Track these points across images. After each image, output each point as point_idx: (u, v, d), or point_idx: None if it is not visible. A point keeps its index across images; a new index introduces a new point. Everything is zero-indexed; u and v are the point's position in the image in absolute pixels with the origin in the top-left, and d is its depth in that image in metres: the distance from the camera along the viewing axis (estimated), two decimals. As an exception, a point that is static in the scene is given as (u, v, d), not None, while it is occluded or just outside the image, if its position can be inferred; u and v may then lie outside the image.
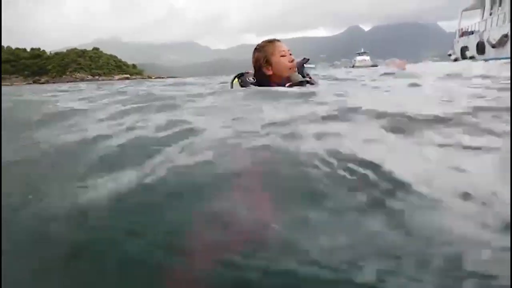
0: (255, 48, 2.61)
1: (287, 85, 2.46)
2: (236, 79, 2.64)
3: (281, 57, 2.49)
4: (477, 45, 18.43)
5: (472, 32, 21.14)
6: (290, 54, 2.54)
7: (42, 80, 76.39)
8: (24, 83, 73.49)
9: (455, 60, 21.72)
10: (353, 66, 78.34)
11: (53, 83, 62.50)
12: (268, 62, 2.49)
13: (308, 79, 2.61)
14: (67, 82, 63.76)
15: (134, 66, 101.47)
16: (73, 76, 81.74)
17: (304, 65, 2.69)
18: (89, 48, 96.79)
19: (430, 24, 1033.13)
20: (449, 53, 24.47)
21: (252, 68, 2.61)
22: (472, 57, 18.93)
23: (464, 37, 21.76)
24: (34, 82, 73.51)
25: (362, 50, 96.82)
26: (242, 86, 2.56)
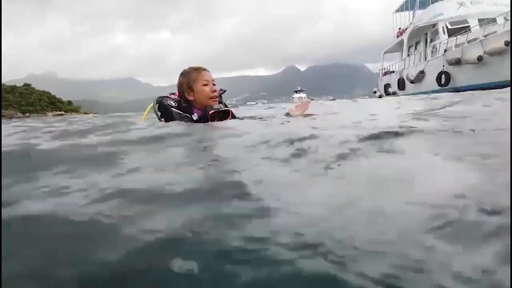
0: (181, 73, 2.64)
1: (210, 112, 2.50)
2: (151, 105, 2.61)
3: (203, 86, 2.53)
4: (398, 81, 20.42)
5: (393, 71, 23.60)
6: (214, 85, 2.58)
7: (-37, 117, 69.94)
8: None
9: (380, 96, 23.94)
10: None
11: (-24, 120, 57.18)
12: (190, 88, 2.53)
13: (229, 109, 2.69)
14: (-7, 119, 58.71)
15: (69, 102, 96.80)
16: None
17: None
18: (20, 84, 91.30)
19: (359, 66, 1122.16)
20: (374, 90, 26.79)
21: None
22: (394, 93, 20.99)
23: (386, 75, 24.15)
24: (-47, 120, 67.00)
25: (299, 88, 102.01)
26: (162, 112, 2.51)
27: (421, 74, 17.64)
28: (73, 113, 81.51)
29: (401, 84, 20.03)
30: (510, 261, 0.42)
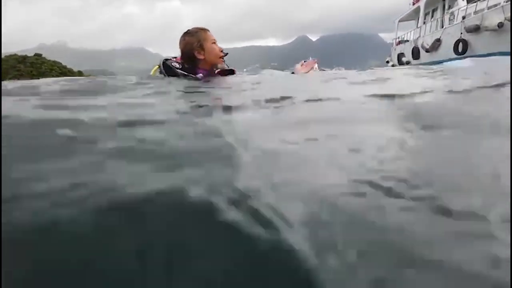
0: (185, 33, 2.60)
1: (216, 71, 2.57)
2: (157, 66, 2.62)
3: (213, 44, 2.56)
4: (412, 50, 19.85)
5: (407, 41, 22.91)
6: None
7: (-23, 87, 70.81)
8: (-44, 90, 67.62)
9: (392, 66, 23.36)
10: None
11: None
12: (201, 47, 2.52)
13: (233, 68, 2.73)
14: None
15: (80, 72, 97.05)
16: (12, 82, 76.52)
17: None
18: (31, 54, 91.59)
19: (372, 35, 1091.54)
20: (386, 60, 26.16)
21: (180, 52, 2.62)
22: (408, 62, 20.46)
23: (400, 45, 23.49)
24: (-33, 89, 67.99)
25: (310, 59, 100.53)
26: (166, 72, 2.53)
27: (437, 43, 17.07)
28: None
29: (415, 53, 19.49)
30: (510, 261, 0.42)
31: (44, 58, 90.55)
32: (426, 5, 20.56)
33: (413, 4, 23.05)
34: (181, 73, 2.50)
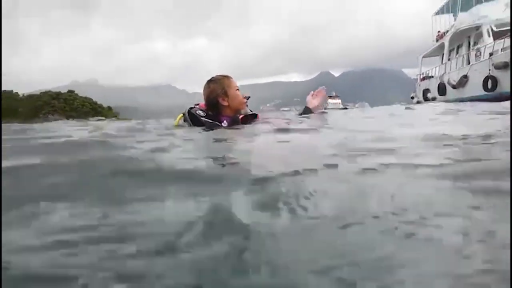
0: (210, 80, 2.67)
1: (240, 117, 2.63)
2: (181, 115, 2.67)
3: (237, 91, 2.64)
4: (438, 86, 19.61)
5: (432, 76, 22.72)
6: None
7: (13, 122, 74.60)
8: (-7, 125, 71.41)
9: (418, 102, 23.10)
10: (325, 109, 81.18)
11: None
12: (225, 94, 2.59)
13: (256, 112, 2.80)
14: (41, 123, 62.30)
15: (109, 108, 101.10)
16: (45, 118, 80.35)
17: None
18: (64, 90, 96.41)
19: (395, 71, 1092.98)
20: (411, 95, 25.94)
21: (204, 100, 2.67)
22: (434, 98, 20.18)
23: (425, 80, 23.31)
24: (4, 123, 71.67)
25: (334, 94, 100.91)
26: (191, 120, 2.57)
27: (464, 79, 16.78)
28: (113, 118, 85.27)
29: (441, 89, 19.23)
30: (510, 260, 0.43)
31: (76, 94, 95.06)
32: (451, 42, 20.49)
33: (437, 40, 23.07)
34: (205, 120, 2.55)
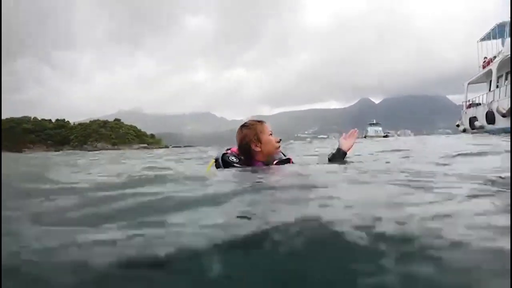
0: (242, 126, 2.68)
1: (274, 162, 2.58)
2: (213, 161, 2.66)
3: (270, 136, 2.61)
4: (486, 115, 18.71)
5: (479, 104, 21.72)
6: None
7: (64, 149, 79.26)
8: (46, 151, 76.32)
9: (464, 130, 22.02)
10: (365, 137, 79.48)
11: (75, 151, 64.65)
12: (258, 139, 2.57)
13: (290, 157, 2.74)
14: (88, 151, 65.92)
15: (152, 136, 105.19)
16: (94, 145, 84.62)
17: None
18: (111, 119, 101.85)
19: (439, 97, 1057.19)
20: (457, 123, 24.85)
21: (237, 145, 2.65)
22: (481, 127, 19.20)
23: (471, 108, 22.29)
24: (56, 151, 76.34)
25: (374, 121, 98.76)
26: (224, 166, 2.55)
27: (516, 107, 15.82)
28: (155, 145, 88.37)
29: (490, 118, 18.30)
30: (510, 259, 0.43)
31: (122, 122, 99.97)
32: (499, 68, 19.58)
33: (483, 67, 22.17)
34: (239, 167, 2.52)
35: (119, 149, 77.84)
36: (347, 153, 2.81)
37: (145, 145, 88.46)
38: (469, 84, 24.51)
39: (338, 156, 2.79)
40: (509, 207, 0.97)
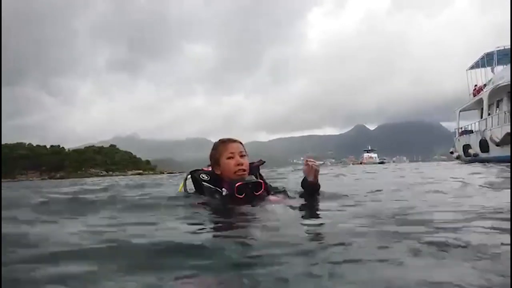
0: (213, 145, 2.57)
1: (236, 185, 2.28)
2: (184, 181, 2.56)
3: (228, 159, 2.40)
4: (480, 143, 18.77)
5: (471, 131, 21.90)
6: (242, 156, 2.43)
7: (58, 175, 78.42)
8: (40, 178, 75.48)
9: (458, 157, 22.09)
10: (360, 163, 79.74)
11: (68, 178, 64.09)
12: (216, 162, 2.45)
13: (260, 181, 2.42)
14: (82, 177, 65.34)
15: (148, 162, 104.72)
16: (88, 172, 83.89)
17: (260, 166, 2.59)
18: (107, 145, 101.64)
19: (434, 124, 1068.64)
20: (451, 150, 24.97)
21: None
22: (475, 155, 19.26)
23: (464, 135, 22.44)
24: (50, 177, 75.52)
25: (369, 148, 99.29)
26: (194, 185, 2.48)
27: (509, 137, 15.85)
28: (150, 171, 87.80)
29: (483, 146, 18.37)
30: (510, 260, 0.43)
31: (118, 149, 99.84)
32: (490, 96, 19.82)
33: (474, 95, 22.49)
34: (207, 186, 2.40)
35: (113, 175, 77.16)
36: (317, 181, 2.45)
37: (140, 171, 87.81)
38: (460, 111, 24.79)
39: (307, 187, 2.48)
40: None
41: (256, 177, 2.46)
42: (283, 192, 2.60)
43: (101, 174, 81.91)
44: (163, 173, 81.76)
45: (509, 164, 8.07)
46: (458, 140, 23.26)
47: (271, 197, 2.44)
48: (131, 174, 75.16)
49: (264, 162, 2.62)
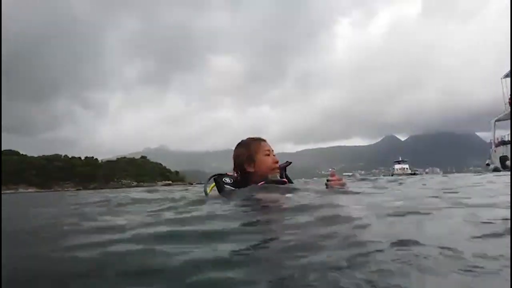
0: (239, 144, 2.53)
1: (259, 183, 2.31)
2: (213, 184, 2.49)
3: (265, 156, 2.42)
4: (518, 154, 18.04)
5: (509, 142, 21.06)
6: (274, 155, 2.48)
7: (91, 186, 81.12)
8: (75, 188, 78.30)
9: (494, 169, 21.30)
10: (392, 175, 77.75)
11: (101, 188, 66.16)
12: (251, 159, 2.40)
13: (284, 180, 2.48)
14: (114, 188, 67.31)
15: (177, 173, 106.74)
16: (119, 182, 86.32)
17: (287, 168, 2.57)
18: (138, 156, 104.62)
19: (468, 134, 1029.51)
20: (487, 162, 24.05)
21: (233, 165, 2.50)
22: (514, 166, 18.53)
23: (501, 146, 21.61)
24: (84, 188, 78.25)
25: (400, 159, 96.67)
26: (218, 189, 2.43)
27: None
28: (179, 182, 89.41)
29: (522, 157, 17.63)
30: (510, 261, 0.42)
31: (148, 160, 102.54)
32: (528, 105, 19.08)
33: (510, 104, 21.69)
34: (229, 189, 2.35)
35: (143, 186, 79.01)
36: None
37: (169, 182, 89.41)
38: (496, 121, 23.92)
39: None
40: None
41: (282, 177, 2.49)
42: None
43: (132, 184, 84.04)
44: (191, 183, 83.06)
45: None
46: (494, 151, 22.42)
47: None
48: (161, 185, 76.76)
49: (291, 163, 2.61)
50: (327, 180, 2.36)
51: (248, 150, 2.43)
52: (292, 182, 2.58)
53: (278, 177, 2.44)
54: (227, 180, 2.41)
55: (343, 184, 2.36)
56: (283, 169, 2.55)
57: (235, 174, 2.48)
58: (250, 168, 2.39)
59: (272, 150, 2.48)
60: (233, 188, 2.36)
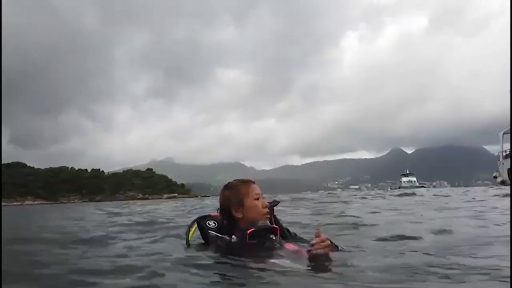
0: (226, 186, 2.31)
1: (248, 231, 2.03)
2: (194, 228, 2.27)
3: (255, 200, 2.20)
4: (526, 166, 17.89)
5: (517, 154, 20.90)
6: (263, 198, 2.26)
7: (97, 198, 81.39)
8: (81, 200, 78.62)
9: (502, 182, 21.11)
10: (399, 187, 77.13)
11: (107, 201, 66.33)
12: (239, 204, 2.18)
13: (275, 226, 2.19)
14: (120, 200, 67.48)
15: (182, 185, 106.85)
16: (125, 194, 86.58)
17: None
18: (144, 168, 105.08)
19: (475, 148, 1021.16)
20: (494, 175, 23.85)
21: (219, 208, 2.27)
22: (523, 179, 18.36)
23: (509, 159, 21.44)
24: (90, 200, 78.55)
25: (407, 172, 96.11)
26: (201, 233, 2.24)
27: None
28: (184, 195, 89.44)
29: (530, 169, 17.46)
30: (510, 261, 0.43)
31: (154, 172, 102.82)
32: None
33: (518, 116, 21.60)
34: (213, 235, 2.18)
35: (149, 198, 79.11)
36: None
37: (175, 194, 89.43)
38: (504, 134, 23.79)
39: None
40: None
41: (271, 222, 2.24)
42: (295, 237, 2.36)
43: (138, 197, 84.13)
44: (197, 196, 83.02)
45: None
46: (502, 163, 22.23)
47: (287, 245, 2.12)
48: (166, 197, 76.76)
49: (279, 202, 2.37)
50: (310, 245, 1.89)
51: (237, 194, 2.21)
52: (281, 225, 2.33)
53: (268, 223, 2.19)
54: (211, 224, 2.23)
55: (329, 247, 1.92)
56: (271, 209, 2.28)
57: (220, 216, 2.27)
58: (238, 213, 2.18)
59: (262, 193, 2.28)
60: (218, 235, 2.17)
